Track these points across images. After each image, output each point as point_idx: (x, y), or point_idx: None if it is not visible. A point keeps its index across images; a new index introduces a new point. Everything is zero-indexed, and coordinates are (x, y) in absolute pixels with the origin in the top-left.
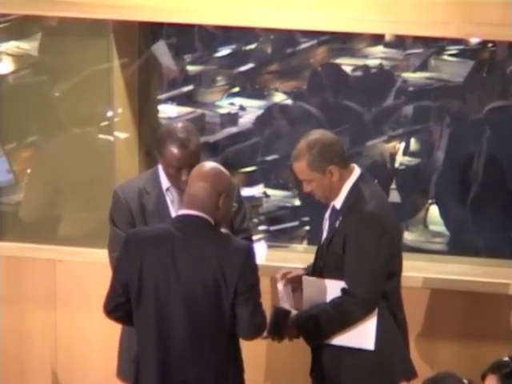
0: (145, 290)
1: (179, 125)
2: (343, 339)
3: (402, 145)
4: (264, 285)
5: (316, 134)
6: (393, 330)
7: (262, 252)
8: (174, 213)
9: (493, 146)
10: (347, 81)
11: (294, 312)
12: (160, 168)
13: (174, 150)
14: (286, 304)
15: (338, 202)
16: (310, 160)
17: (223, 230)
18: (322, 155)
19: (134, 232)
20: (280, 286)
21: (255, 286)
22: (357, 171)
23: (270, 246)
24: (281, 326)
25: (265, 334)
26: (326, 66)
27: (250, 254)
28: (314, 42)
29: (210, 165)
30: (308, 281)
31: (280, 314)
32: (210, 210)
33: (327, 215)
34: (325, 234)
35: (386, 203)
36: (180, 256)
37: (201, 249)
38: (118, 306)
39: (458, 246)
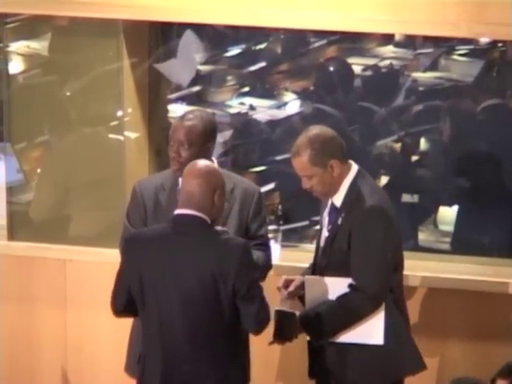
0: (146, 291)
1: (200, 111)
2: (351, 336)
3: (412, 144)
4: (274, 284)
5: (316, 130)
6: (400, 323)
7: (276, 252)
8: None
9: (502, 145)
10: (357, 80)
11: (296, 312)
12: None
13: (174, 121)
14: (285, 305)
15: (337, 199)
16: (312, 155)
17: (219, 228)
18: (323, 149)
19: (132, 234)
20: (283, 295)
21: (256, 281)
22: (354, 167)
23: (281, 246)
24: (287, 329)
25: (271, 339)
26: (335, 63)
27: (245, 251)
28: (324, 41)
29: (202, 162)
30: (311, 280)
31: (285, 318)
32: (207, 208)
33: (326, 213)
34: (326, 233)
35: (386, 197)
36: (177, 256)
37: (198, 248)
38: (126, 307)
39: (469, 246)
